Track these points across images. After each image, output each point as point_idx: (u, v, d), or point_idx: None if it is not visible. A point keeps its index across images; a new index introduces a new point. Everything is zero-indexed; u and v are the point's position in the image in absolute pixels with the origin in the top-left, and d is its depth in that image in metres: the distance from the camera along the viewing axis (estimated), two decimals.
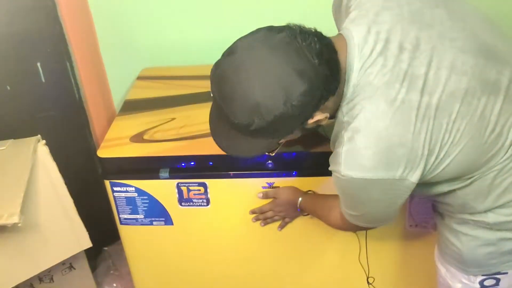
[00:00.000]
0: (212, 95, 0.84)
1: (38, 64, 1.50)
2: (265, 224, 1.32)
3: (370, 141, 0.81)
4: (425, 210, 1.27)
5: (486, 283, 0.98)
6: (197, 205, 1.31)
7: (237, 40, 0.83)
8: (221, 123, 0.86)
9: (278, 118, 0.78)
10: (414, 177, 0.82)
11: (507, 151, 0.85)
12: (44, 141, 1.30)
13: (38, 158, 1.27)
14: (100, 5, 1.65)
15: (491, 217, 0.90)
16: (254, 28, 1.72)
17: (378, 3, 0.87)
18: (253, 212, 1.30)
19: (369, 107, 0.81)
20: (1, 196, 1.17)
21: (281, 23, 1.64)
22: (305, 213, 1.27)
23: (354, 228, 1.06)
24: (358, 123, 0.81)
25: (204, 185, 1.27)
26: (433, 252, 1.22)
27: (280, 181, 1.26)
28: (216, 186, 1.27)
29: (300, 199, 1.21)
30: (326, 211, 1.12)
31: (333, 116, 0.89)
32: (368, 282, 1.40)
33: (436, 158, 0.83)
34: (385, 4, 0.86)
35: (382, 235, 1.33)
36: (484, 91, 0.82)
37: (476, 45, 0.85)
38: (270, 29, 0.82)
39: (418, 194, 0.99)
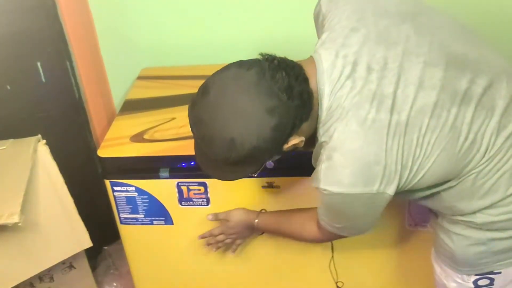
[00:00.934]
0: (191, 132, 0.90)
1: (38, 63, 1.50)
2: (217, 248, 1.32)
3: (346, 160, 0.84)
4: (424, 210, 1.27)
5: (480, 282, 0.99)
6: (197, 205, 1.31)
7: (210, 77, 0.88)
8: (203, 155, 0.92)
9: (252, 151, 0.84)
10: (390, 190, 0.85)
11: (483, 156, 0.86)
12: (44, 141, 1.30)
13: (38, 158, 1.27)
14: (100, 5, 1.65)
15: (479, 218, 0.91)
16: (253, 28, 1.73)
17: (347, 25, 0.90)
18: (202, 237, 1.31)
19: (341, 128, 0.84)
20: (1, 195, 1.17)
21: (280, 23, 1.65)
22: (261, 233, 1.29)
23: (333, 238, 1.09)
24: (334, 143, 0.85)
25: (204, 184, 1.27)
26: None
27: (280, 181, 1.26)
28: (216, 185, 1.27)
29: (256, 220, 1.22)
30: (297, 227, 1.14)
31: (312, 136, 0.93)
32: (337, 286, 1.41)
33: (410, 171, 0.85)
34: (353, 25, 0.89)
35: (381, 235, 1.34)
36: (454, 102, 0.84)
37: (445, 57, 0.86)
38: (240, 65, 0.86)
39: (402, 199, 1.00)
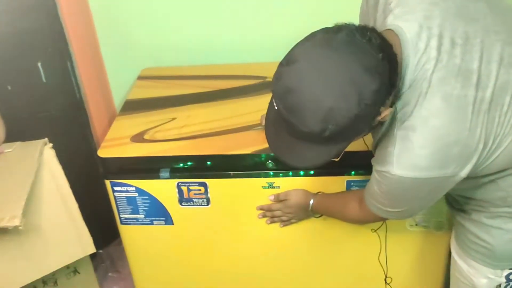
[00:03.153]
0: (276, 107, 0.80)
1: (39, 63, 1.50)
2: (271, 222, 1.32)
3: (427, 140, 0.80)
4: (425, 210, 1.27)
5: None
6: (198, 205, 1.31)
7: (294, 47, 0.81)
8: (284, 136, 0.84)
9: (352, 121, 0.75)
10: (464, 172, 0.82)
11: None
12: (51, 144, 1.29)
13: (44, 161, 1.27)
14: (101, 5, 1.65)
15: None
16: (254, 28, 1.72)
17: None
18: (260, 208, 1.30)
19: (425, 104, 0.80)
20: (4, 198, 1.16)
21: (281, 22, 1.65)
22: (317, 215, 1.27)
23: (374, 221, 1.03)
24: (414, 121, 0.80)
25: (204, 185, 1.27)
26: (434, 251, 1.22)
27: (280, 181, 1.26)
28: (216, 186, 1.27)
29: (311, 201, 1.21)
30: (341, 207, 1.12)
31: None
32: (386, 282, 1.39)
33: (489, 151, 0.83)
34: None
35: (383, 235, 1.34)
36: None
37: None
38: (327, 31, 0.79)
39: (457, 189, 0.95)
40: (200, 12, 1.65)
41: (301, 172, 1.24)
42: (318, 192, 1.25)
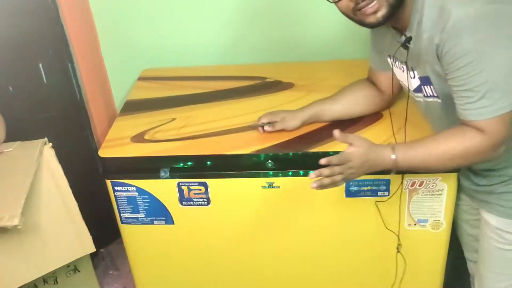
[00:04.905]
0: None
1: (40, 65, 1.51)
2: (325, 187, 0.98)
3: None
4: (424, 209, 1.27)
5: None
6: (198, 205, 1.32)
7: None
8: None
9: None
10: None
11: None
12: (50, 144, 1.30)
13: (44, 161, 1.28)
14: (102, 6, 1.66)
15: None
16: (253, 29, 1.73)
17: None
18: (319, 174, 0.96)
19: None
20: (4, 197, 1.17)
21: (279, 25, 1.65)
22: (394, 171, 0.98)
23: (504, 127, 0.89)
24: None
25: (204, 184, 1.28)
26: (432, 251, 1.21)
27: (279, 181, 1.27)
28: (217, 185, 1.28)
29: (393, 156, 0.95)
30: (452, 142, 0.93)
31: None
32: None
33: None
34: None
35: (380, 234, 1.34)
36: None
37: None
38: None
39: None
40: (200, 13, 1.66)
41: (301, 172, 1.25)
42: (389, 143, 0.99)
